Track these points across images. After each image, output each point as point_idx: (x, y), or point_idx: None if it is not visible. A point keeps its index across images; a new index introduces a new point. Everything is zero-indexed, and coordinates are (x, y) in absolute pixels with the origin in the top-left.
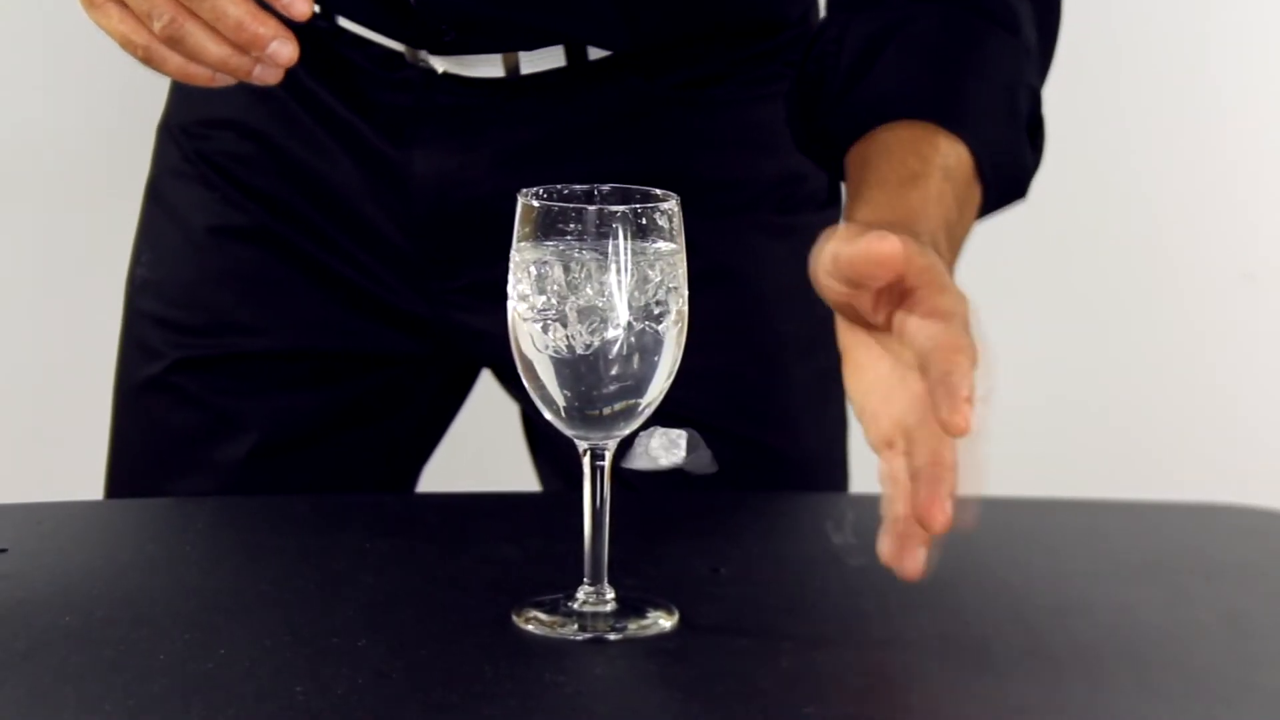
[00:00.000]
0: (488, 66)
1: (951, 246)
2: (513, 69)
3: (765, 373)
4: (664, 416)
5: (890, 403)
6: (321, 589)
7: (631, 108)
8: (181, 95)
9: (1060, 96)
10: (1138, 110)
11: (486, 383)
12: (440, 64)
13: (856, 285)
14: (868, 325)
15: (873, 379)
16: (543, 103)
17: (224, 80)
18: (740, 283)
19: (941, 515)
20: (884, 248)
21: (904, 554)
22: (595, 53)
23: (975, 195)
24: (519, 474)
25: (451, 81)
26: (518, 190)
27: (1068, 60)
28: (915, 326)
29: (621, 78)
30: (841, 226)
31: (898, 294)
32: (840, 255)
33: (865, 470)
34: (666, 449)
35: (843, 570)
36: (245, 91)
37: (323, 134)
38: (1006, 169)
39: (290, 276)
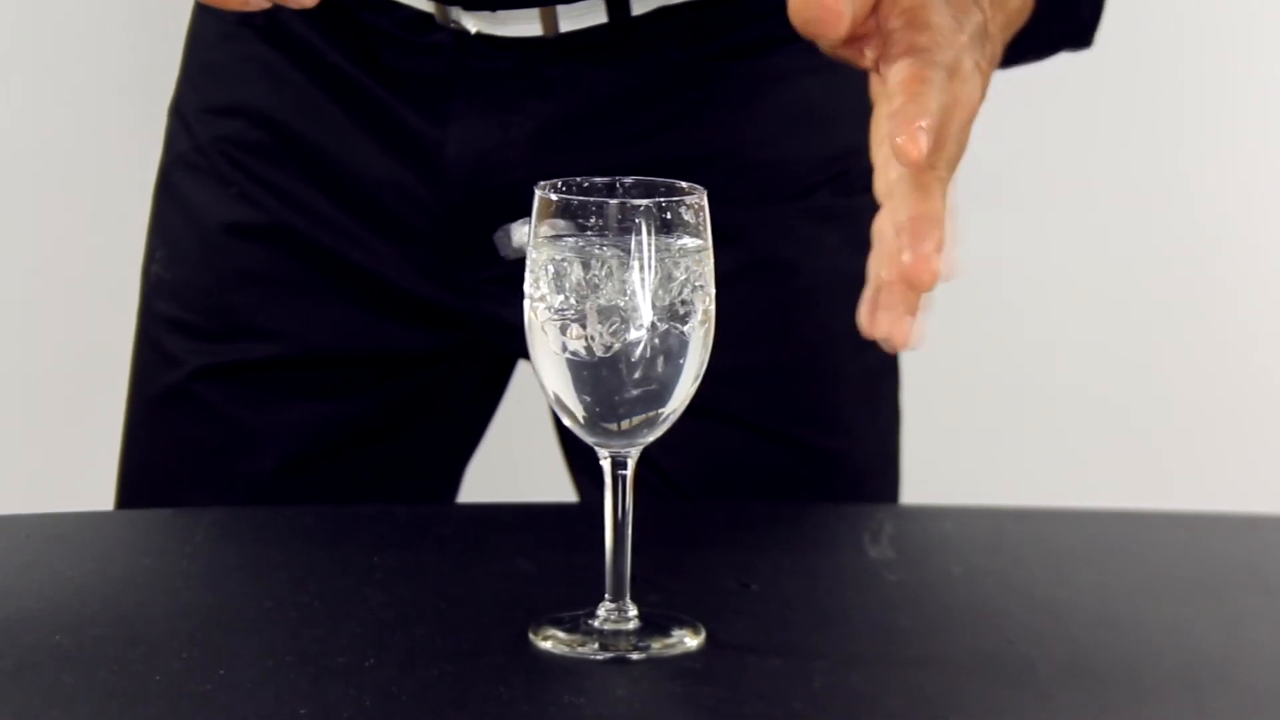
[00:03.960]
0: (524, 24)
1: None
2: (551, 27)
3: (814, 370)
4: (706, 414)
5: None
6: (327, 605)
7: (673, 79)
8: (191, 77)
9: (1107, 94)
10: (1183, 108)
11: (514, 387)
12: (473, 23)
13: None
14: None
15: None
16: (582, 68)
17: (259, 3)
18: (789, 273)
19: (928, 271)
20: (827, 2)
21: (891, 326)
22: (639, 7)
23: None
24: (551, 481)
25: (485, 44)
26: (557, 172)
27: (1118, 59)
28: (891, 67)
29: (663, 42)
30: None
31: (883, 37)
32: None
33: (917, 478)
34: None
35: (879, 585)
36: (259, 75)
37: (344, 117)
38: None
39: (310, 276)
